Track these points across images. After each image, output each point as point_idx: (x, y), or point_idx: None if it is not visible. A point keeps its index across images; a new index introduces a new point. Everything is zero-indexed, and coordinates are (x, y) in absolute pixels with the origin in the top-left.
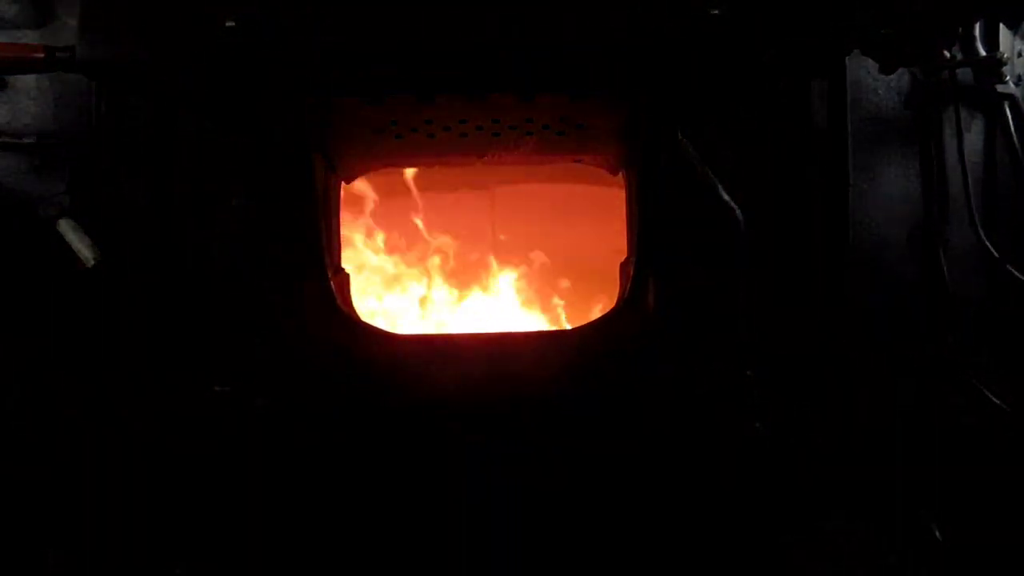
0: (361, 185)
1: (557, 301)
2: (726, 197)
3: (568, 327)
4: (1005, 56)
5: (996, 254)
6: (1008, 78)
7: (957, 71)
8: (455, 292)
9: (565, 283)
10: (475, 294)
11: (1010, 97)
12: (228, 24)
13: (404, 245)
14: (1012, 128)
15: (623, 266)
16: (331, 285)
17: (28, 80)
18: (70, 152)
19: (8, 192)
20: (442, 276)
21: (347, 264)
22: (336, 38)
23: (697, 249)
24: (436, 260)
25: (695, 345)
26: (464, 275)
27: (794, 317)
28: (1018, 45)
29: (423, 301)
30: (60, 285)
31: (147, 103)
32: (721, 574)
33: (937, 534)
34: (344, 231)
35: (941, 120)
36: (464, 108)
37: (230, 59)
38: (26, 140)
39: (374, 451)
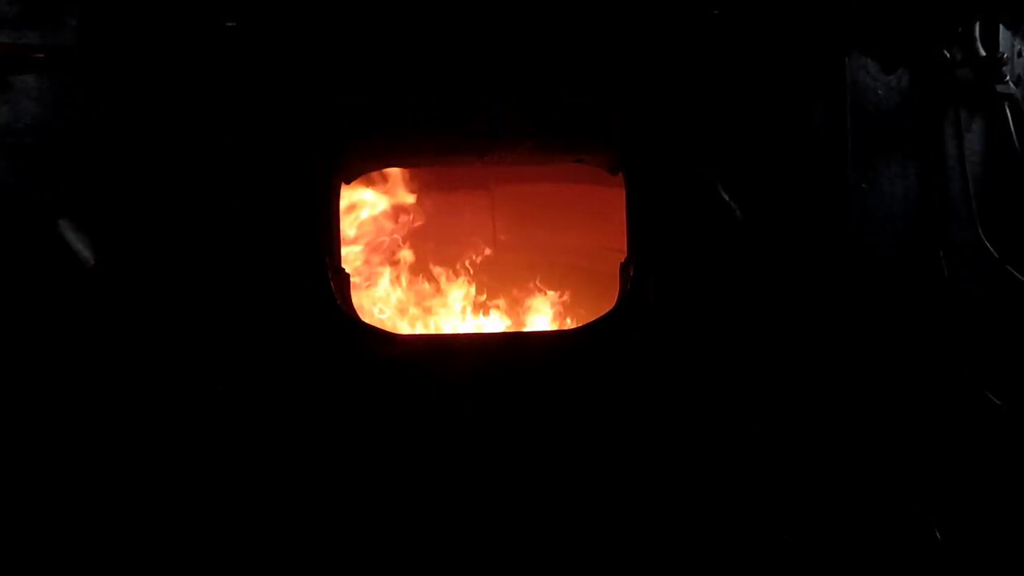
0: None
1: (557, 301)
2: (726, 197)
3: (568, 327)
4: (1005, 56)
5: (996, 254)
6: (1008, 78)
7: (957, 71)
8: (456, 292)
9: (564, 283)
10: (475, 295)
11: (1010, 97)
12: (228, 24)
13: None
14: (1012, 128)
15: (623, 266)
16: (331, 285)
17: (28, 80)
18: (70, 152)
19: (8, 192)
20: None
21: None
22: (336, 38)
23: (697, 249)
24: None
25: (695, 345)
26: (463, 275)
27: (794, 316)
28: (1018, 45)
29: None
30: (60, 285)
31: (147, 103)
32: (721, 574)
33: (937, 534)
34: None
35: (941, 120)
36: (464, 108)
37: (230, 59)
38: (26, 140)
39: (374, 451)
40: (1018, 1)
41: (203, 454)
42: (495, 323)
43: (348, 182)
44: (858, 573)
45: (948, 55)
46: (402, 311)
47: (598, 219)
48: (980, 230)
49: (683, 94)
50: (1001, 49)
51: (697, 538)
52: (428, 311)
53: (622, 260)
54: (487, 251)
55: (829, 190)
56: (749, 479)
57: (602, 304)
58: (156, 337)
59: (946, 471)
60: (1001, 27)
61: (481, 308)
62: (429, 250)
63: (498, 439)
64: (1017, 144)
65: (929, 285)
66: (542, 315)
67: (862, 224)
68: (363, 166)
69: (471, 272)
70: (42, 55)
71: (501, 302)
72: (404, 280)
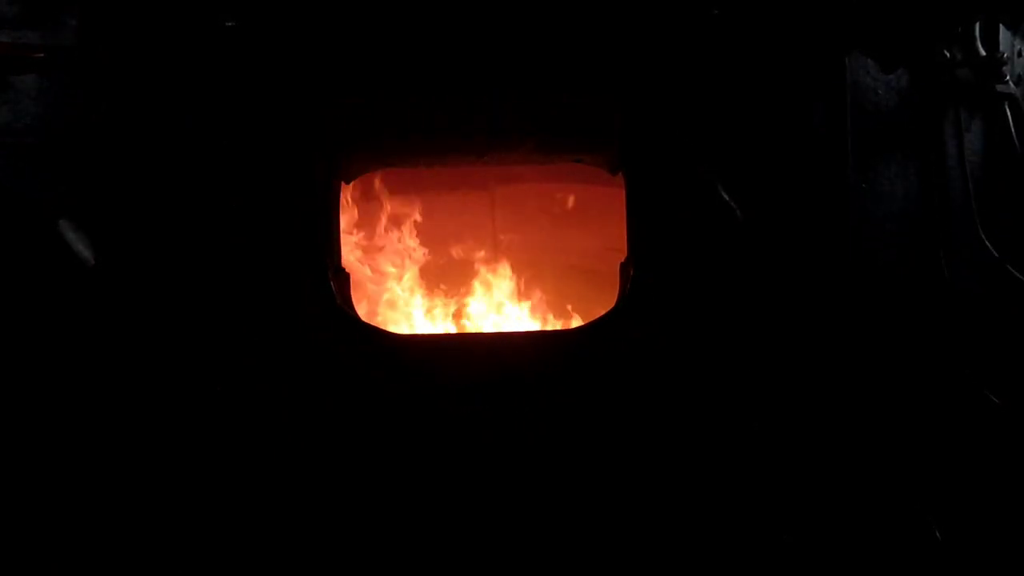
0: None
1: (556, 301)
2: (726, 196)
3: (568, 327)
4: (1005, 56)
5: (996, 254)
6: (1008, 78)
7: (957, 71)
8: (456, 292)
9: (564, 283)
10: (475, 294)
11: (1010, 97)
12: (228, 24)
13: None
14: (1012, 128)
15: (623, 266)
16: (331, 285)
17: (28, 80)
18: (70, 152)
19: (8, 192)
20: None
21: None
22: (335, 39)
23: (697, 249)
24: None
25: (695, 345)
26: (464, 275)
27: (794, 316)
28: (1018, 45)
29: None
30: (60, 285)
31: (147, 103)
32: (721, 574)
33: (937, 534)
34: None
35: (941, 120)
36: (464, 108)
37: (230, 59)
38: (26, 140)
39: (374, 451)
40: (1018, 1)
41: (203, 454)
42: (495, 323)
43: (348, 182)
44: (858, 573)
45: (948, 55)
46: (402, 311)
47: (598, 219)
48: (980, 230)
49: (683, 94)
50: (1001, 49)
51: (697, 538)
52: (429, 311)
53: (622, 260)
54: (487, 251)
55: (829, 190)
56: (749, 479)
57: (602, 304)
58: (156, 337)
59: (946, 471)
60: (1001, 27)
61: (481, 308)
62: (428, 250)
63: (498, 439)
64: (1017, 144)
65: (929, 285)
66: (542, 315)
67: (862, 224)
68: (363, 166)
69: (471, 272)
70: (42, 55)
71: (501, 302)
72: (404, 280)
